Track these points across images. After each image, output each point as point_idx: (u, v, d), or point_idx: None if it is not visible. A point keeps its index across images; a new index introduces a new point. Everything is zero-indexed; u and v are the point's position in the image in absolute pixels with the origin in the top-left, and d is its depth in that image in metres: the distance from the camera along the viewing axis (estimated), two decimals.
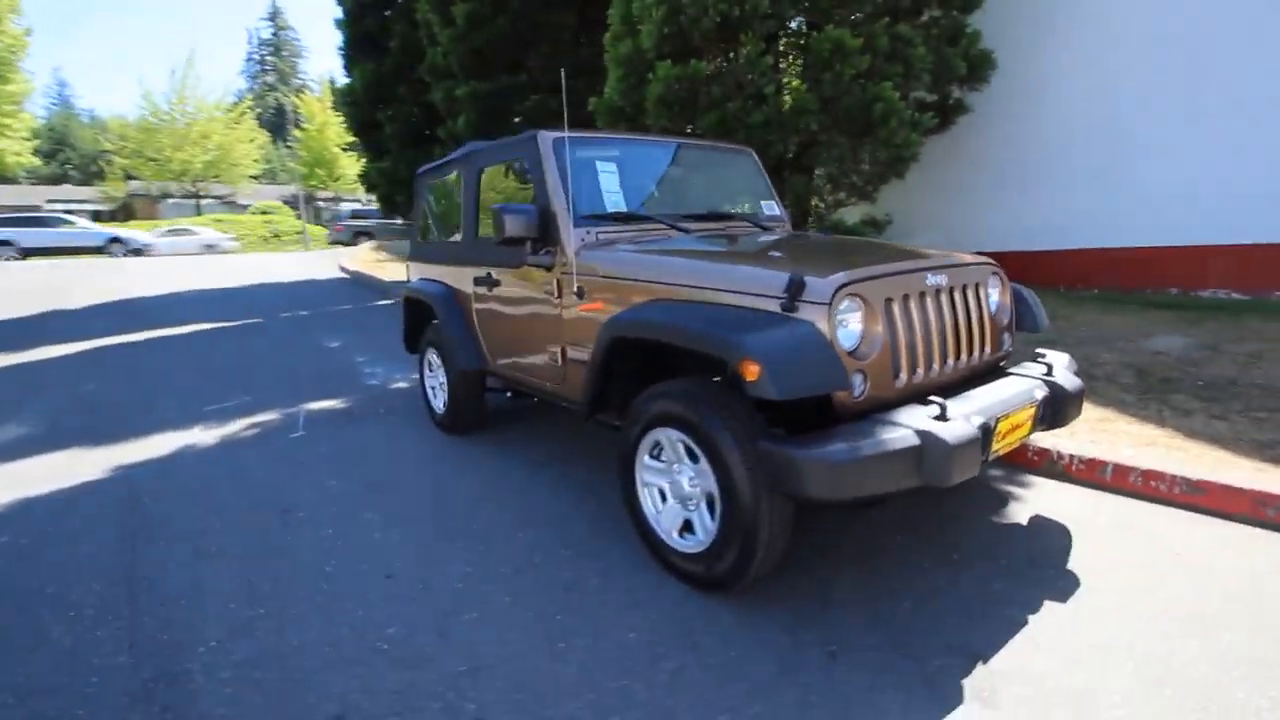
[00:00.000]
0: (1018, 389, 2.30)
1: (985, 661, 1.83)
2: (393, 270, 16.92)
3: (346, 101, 11.77)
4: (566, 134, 2.98)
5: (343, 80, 12.81)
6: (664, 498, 2.38)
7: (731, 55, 5.89)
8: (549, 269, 2.90)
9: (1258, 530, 2.51)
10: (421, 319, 4.50)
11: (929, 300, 2.23)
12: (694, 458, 2.19)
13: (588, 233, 2.82)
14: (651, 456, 2.36)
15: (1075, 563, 2.33)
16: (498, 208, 2.83)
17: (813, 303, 1.98)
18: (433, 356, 4.18)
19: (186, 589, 2.37)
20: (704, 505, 2.18)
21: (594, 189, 2.98)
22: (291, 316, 9.10)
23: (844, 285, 2.01)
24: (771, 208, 3.58)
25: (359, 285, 13.53)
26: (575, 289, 2.76)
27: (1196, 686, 1.71)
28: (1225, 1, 5.86)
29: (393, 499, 3.13)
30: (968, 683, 1.75)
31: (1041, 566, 2.32)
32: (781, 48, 6.45)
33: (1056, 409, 2.36)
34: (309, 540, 2.73)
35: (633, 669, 1.86)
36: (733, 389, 2.14)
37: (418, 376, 4.40)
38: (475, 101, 8.86)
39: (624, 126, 6.82)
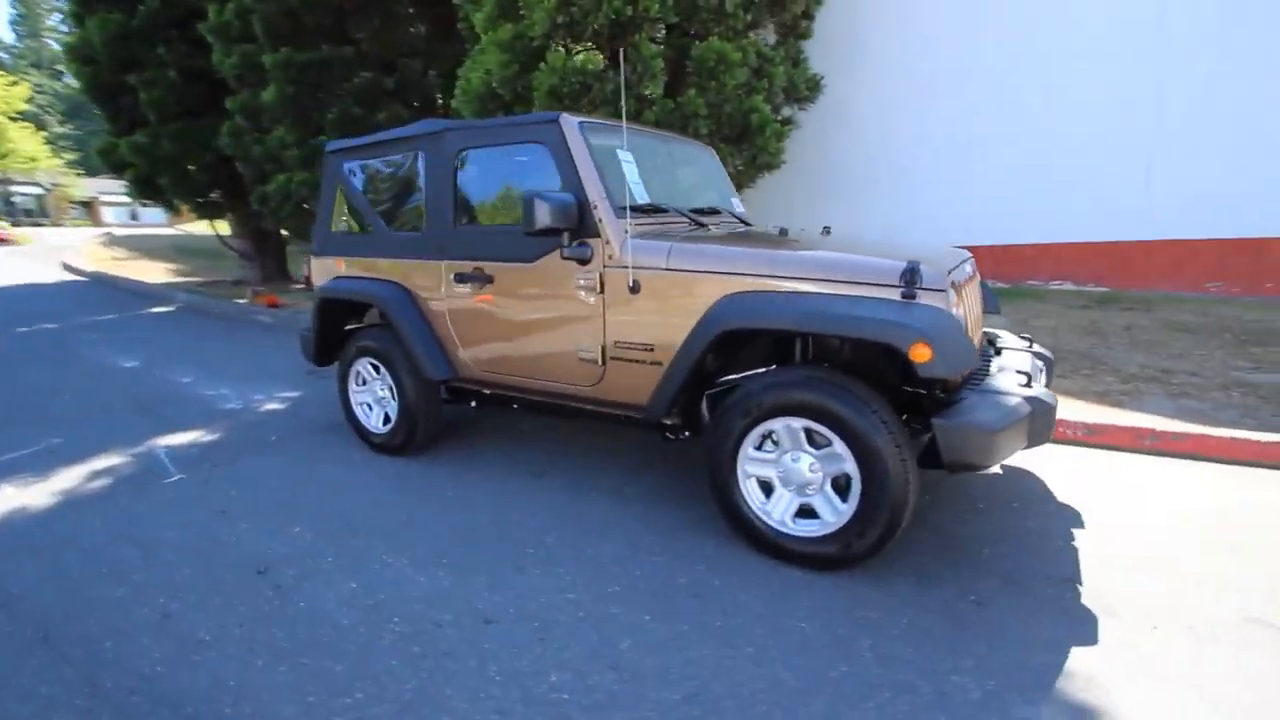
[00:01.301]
0: (1026, 362, 2.76)
1: (1080, 583, 2.21)
2: (145, 269, 13.68)
3: (79, 58, 9.12)
4: (585, 119, 2.80)
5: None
6: (766, 488, 2.39)
7: (622, 54, 5.92)
8: (584, 262, 2.69)
9: (1143, 456, 3.36)
10: (341, 325, 3.80)
11: (969, 287, 2.58)
12: (813, 444, 2.25)
13: (628, 225, 2.68)
14: (754, 448, 2.36)
15: (1064, 498, 2.89)
16: (533, 194, 2.54)
17: (932, 289, 2.16)
18: (365, 368, 3.55)
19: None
20: (828, 488, 2.26)
21: (618, 180, 2.83)
22: (36, 331, 6.88)
23: (949, 272, 2.24)
24: (737, 204, 3.73)
25: (107, 288, 10.72)
26: (630, 283, 2.61)
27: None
28: (1011, 47, 7.53)
29: (398, 536, 2.62)
30: (1086, 601, 2.10)
31: (1043, 502, 2.83)
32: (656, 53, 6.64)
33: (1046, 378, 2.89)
34: (333, 602, 2.17)
35: (837, 656, 1.86)
36: (846, 373, 2.24)
37: (287, 394, 3.69)
38: (288, 72, 7.55)
39: (498, 116, 6.44)
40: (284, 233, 9.95)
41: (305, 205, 8.08)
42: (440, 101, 8.58)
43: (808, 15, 6.86)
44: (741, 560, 2.38)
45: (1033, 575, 2.26)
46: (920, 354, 1.96)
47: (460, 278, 3.07)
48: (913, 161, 8.14)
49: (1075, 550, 2.43)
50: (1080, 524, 2.65)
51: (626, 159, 2.95)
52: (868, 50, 8.14)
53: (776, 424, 2.27)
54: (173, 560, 2.47)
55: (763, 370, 2.48)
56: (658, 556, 2.43)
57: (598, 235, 2.66)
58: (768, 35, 7.03)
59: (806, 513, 2.32)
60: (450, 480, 3.20)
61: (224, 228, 11.11)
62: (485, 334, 3.08)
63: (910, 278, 2.14)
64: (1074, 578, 2.24)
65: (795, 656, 1.86)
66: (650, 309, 2.58)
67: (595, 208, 2.66)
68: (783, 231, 2.83)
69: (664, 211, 2.92)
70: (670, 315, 2.54)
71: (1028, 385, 2.31)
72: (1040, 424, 2.18)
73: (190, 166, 9.35)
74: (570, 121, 2.74)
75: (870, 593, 2.16)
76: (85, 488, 3.16)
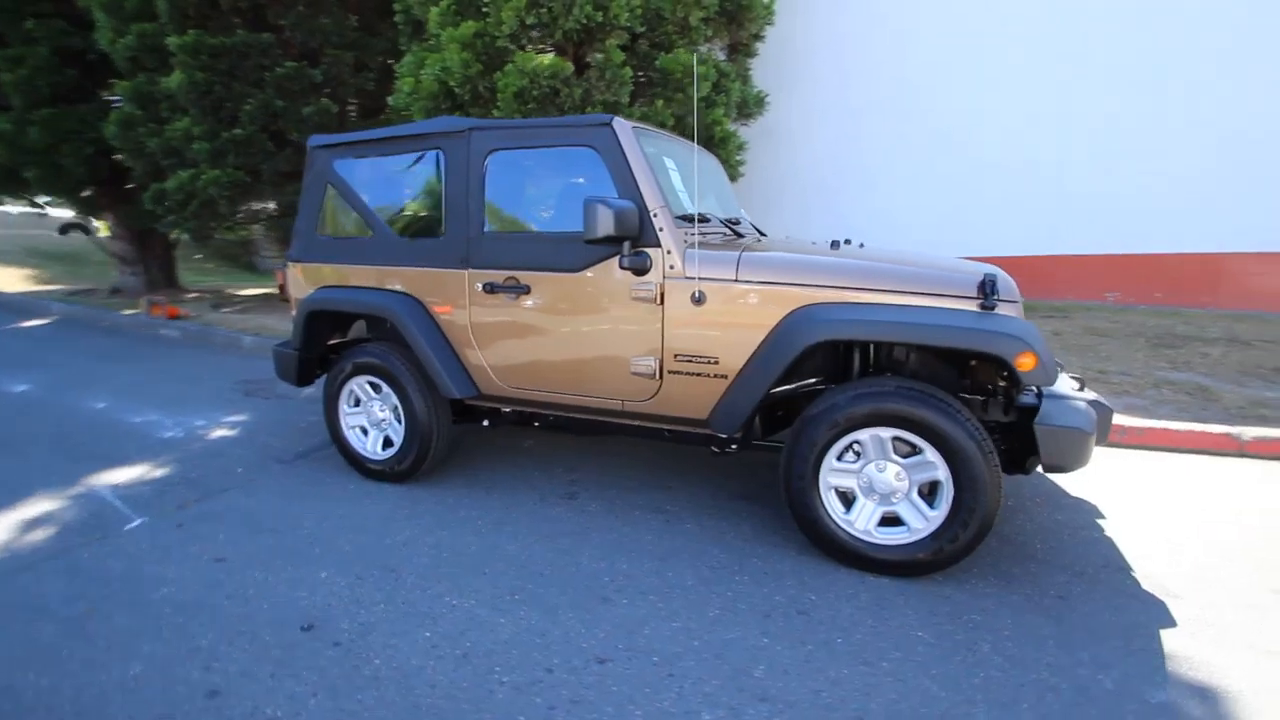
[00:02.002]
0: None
1: (1131, 569, 2.38)
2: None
3: None
4: (634, 124, 2.70)
5: None
6: (845, 499, 2.39)
7: (589, 61, 5.81)
8: (642, 272, 2.58)
9: (1116, 449, 3.71)
10: (323, 339, 3.42)
11: None
12: (901, 452, 2.28)
13: (686, 235, 2.61)
14: (836, 459, 2.35)
15: (1074, 492, 3.12)
16: (595, 200, 2.40)
17: (1008, 300, 2.27)
18: (361, 388, 3.21)
19: None
20: (914, 495, 2.29)
21: (669, 187, 2.74)
22: None
23: (1015, 283, 2.35)
24: (743, 213, 3.75)
25: None
26: (696, 295, 2.53)
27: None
28: (925, 73, 8.11)
29: (450, 574, 2.37)
30: (1147, 586, 2.26)
31: (1057, 496, 3.04)
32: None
33: None
34: (414, 656, 1.91)
35: (969, 662, 1.87)
36: (928, 381, 2.30)
37: (232, 419, 3.30)
38: (198, 57, 6.73)
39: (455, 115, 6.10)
40: (181, 235, 8.86)
41: (216, 205, 7.24)
42: (373, 95, 8.02)
43: (758, 36, 7.08)
44: (826, 573, 2.36)
45: (1091, 565, 2.41)
46: (1025, 363, 2.04)
47: (490, 288, 2.85)
48: (843, 179, 8.61)
49: (1110, 540, 2.63)
50: (1100, 514, 2.86)
51: (671, 166, 2.88)
52: (805, 71, 8.52)
53: (863, 434, 2.28)
54: (184, 624, 2.08)
55: (827, 384, 2.49)
56: (739, 575, 2.36)
57: (657, 244, 2.56)
58: (717, 52, 7.19)
59: (888, 521, 2.35)
60: (473, 507, 2.95)
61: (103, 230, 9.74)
62: (518, 348, 2.87)
63: (989, 289, 2.23)
64: (1123, 565, 2.42)
65: (932, 667, 1.86)
66: (716, 321, 2.51)
67: (655, 216, 2.56)
68: (834, 244, 2.87)
69: (706, 221, 2.86)
70: (738, 327, 2.49)
71: (1082, 390, 2.47)
72: (1104, 425, 2.34)
73: (63, 159, 8.11)
74: (624, 125, 2.62)
75: (961, 596, 2.22)
76: (26, 545, 2.62)
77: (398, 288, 3.07)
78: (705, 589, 2.28)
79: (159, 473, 3.38)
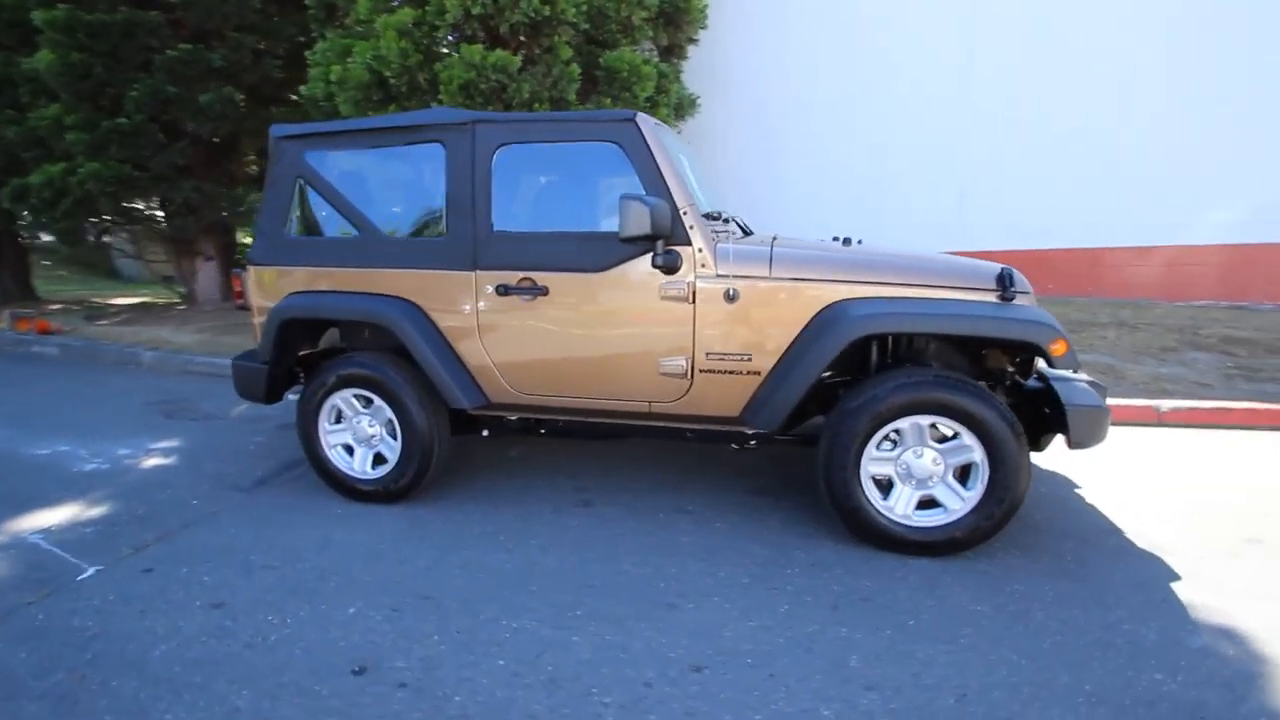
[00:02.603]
0: None
1: (1123, 532, 2.65)
2: None
3: None
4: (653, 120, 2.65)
5: None
6: (882, 485, 2.48)
7: (533, 57, 5.64)
8: (672, 271, 2.54)
9: None
10: (295, 350, 3.09)
11: None
12: (935, 437, 2.39)
13: (715, 230, 2.60)
14: (875, 447, 2.43)
15: (1042, 464, 3.42)
16: (632, 198, 2.34)
17: (1024, 291, 2.44)
18: (346, 402, 2.93)
19: None
20: (950, 478, 2.41)
21: (691, 184, 2.72)
22: None
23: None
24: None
25: None
26: (728, 291, 2.52)
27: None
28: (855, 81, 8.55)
29: (498, 596, 2.21)
30: (1142, 545, 2.52)
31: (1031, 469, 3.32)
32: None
33: None
34: (497, 688, 1.76)
35: (1030, 631, 1.98)
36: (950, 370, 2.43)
37: (161, 444, 2.97)
38: (72, 35, 5.85)
39: (372, 110, 5.72)
40: (42, 236, 7.67)
41: (95, 203, 6.33)
42: (279, 83, 7.34)
43: (693, 39, 7.19)
44: (868, 559, 2.44)
45: (1088, 531, 2.65)
46: (1058, 349, 2.21)
47: (503, 289, 2.69)
48: (765, 183, 8.93)
49: (1093, 507, 2.91)
50: (1074, 485, 3.16)
51: (683, 162, 2.85)
52: (731, 77, 8.76)
53: (903, 423, 2.38)
54: (206, 683, 1.80)
55: (874, 375, 2.57)
56: (789, 569, 2.39)
57: (687, 243, 2.53)
58: (651, 54, 7.22)
59: (922, 505, 2.46)
60: (486, 522, 2.78)
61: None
62: (534, 352, 2.73)
63: (1008, 281, 2.40)
64: (1114, 528, 2.68)
65: (1003, 639, 1.96)
66: (749, 318, 2.53)
67: (685, 214, 2.53)
68: (846, 240, 2.96)
69: (718, 218, 2.87)
70: (771, 323, 2.52)
71: (1076, 373, 2.71)
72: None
73: None
74: (647, 121, 2.57)
75: (994, 569, 2.36)
76: None
77: (392, 292, 2.83)
78: (763, 586, 2.28)
79: (95, 512, 2.91)
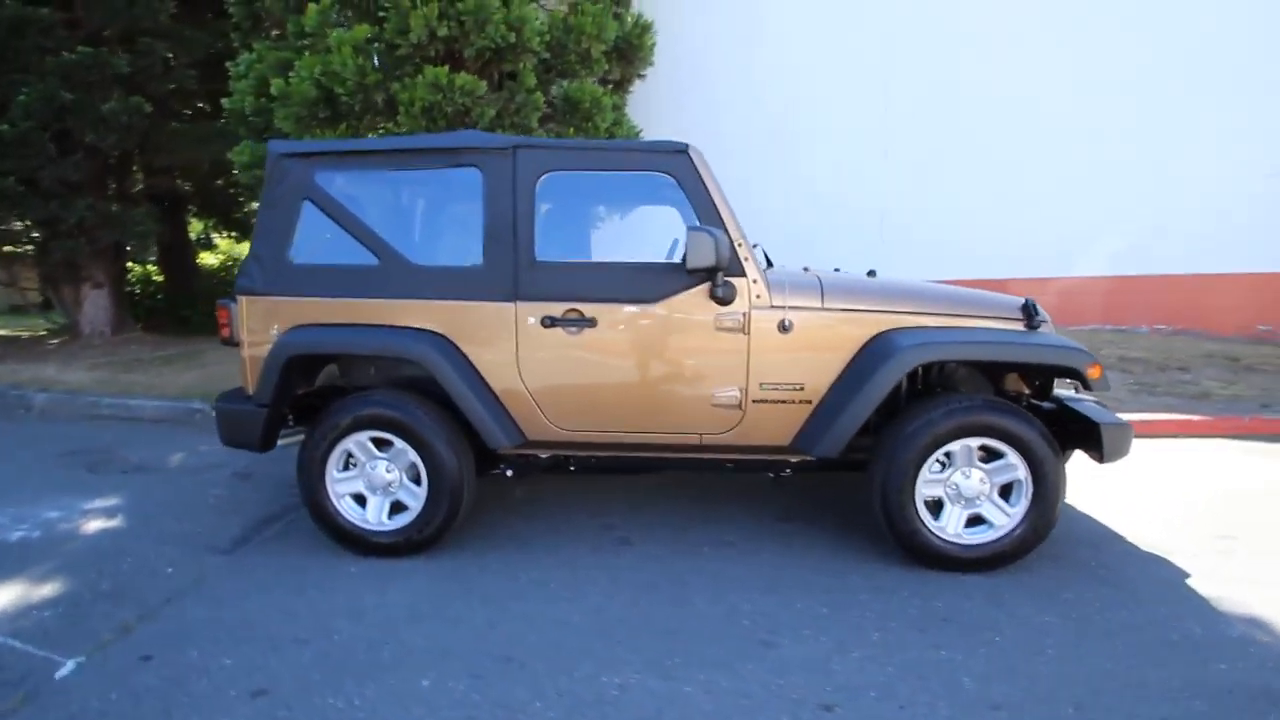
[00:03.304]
0: None
1: (1125, 539, 2.90)
2: None
3: None
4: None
5: None
6: (932, 506, 2.57)
7: (496, 83, 5.50)
8: (728, 301, 2.53)
9: None
10: (294, 389, 2.77)
11: None
12: (979, 458, 2.52)
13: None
14: (929, 471, 2.53)
15: None
16: (700, 230, 2.34)
17: (1045, 320, 2.66)
18: (361, 446, 2.65)
19: None
20: (995, 495, 2.54)
21: None
22: None
23: None
24: None
25: None
26: (783, 322, 2.55)
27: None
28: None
29: (580, 651, 2.06)
30: (1145, 548, 2.78)
31: None
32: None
33: None
34: None
35: (1100, 634, 2.11)
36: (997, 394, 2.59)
37: (96, 504, 2.64)
38: None
39: (317, 129, 5.34)
40: None
41: None
42: (189, 95, 6.66)
43: (641, 75, 7.32)
44: (927, 580, 2.50)
45: (1095, 537, 2.90)
46: (1095, 373, 2.41)
47: (548, 321, 2.56)
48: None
49: (1085, 515, 3.17)
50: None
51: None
52: (669, 109, 8.98)
53: (955, 445, 2.49)
54: None
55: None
56: (860, 595, 2.41)
57: (742, 274, 2.54)
58: (609, 87, 7.26)
59: (970, 522, 2.58)
60: (529, 569, 2.61)
61: None
62: (578, 386, 2.62)
63: (1033, 310, 2.61)
64: (1115, 534, 2.95)
65: (1084, 644, 2.07)
66: (802, 347, 2.57)
67: (740, 245, 2.55)
68: (870, 273, 3.09)
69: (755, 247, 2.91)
70: (823, 353, 2.58)
71: (1078, 394, 2.97)
72: None
73: None
74: (698, 153, 2.57)
75: (1035, 580, 2.50)
76: None
77: (421, 324, 2.61)
78: (843, 615, 2.28)
79: (46, 591, 2.43)
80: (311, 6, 5.09)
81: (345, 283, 2.66)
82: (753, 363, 2.58)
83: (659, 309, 2.56)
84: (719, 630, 2.19)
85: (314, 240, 2.70)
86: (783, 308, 2.56)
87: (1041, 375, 2.78)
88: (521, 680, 1.92)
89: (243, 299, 2.71)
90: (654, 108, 8.88)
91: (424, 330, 2.61)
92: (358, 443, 2.66)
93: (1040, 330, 2.62)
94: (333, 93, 5.10)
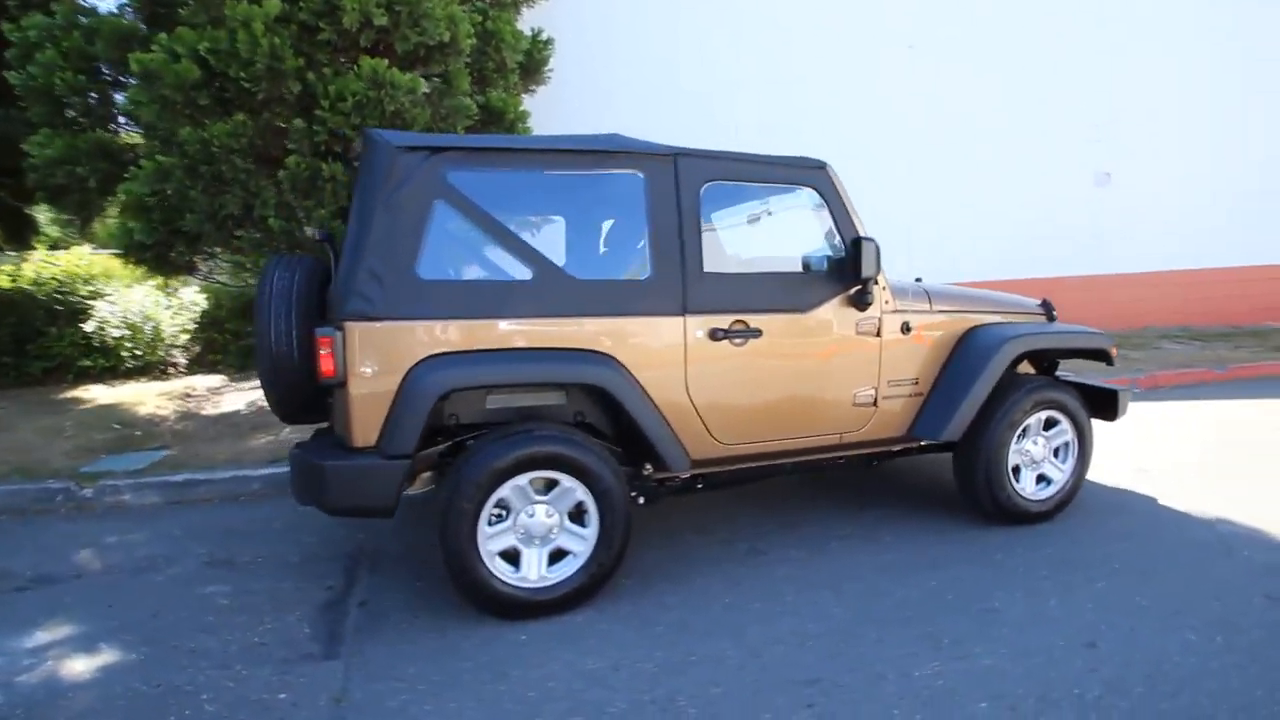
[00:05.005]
0: None
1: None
2: None
3: None
4: None
5: None
6: (1013, 472, 3.05)
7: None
8: (866, 307, 2.73)
9: None
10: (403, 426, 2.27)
11: None
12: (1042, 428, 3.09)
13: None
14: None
15: None
16: (865, 240, 2.53)
17: (1055, 314, 3.34)
18: (517, 493, 2.27)
19: None
20: (1052, 456, 3.11)
21: None
22: None
23: None
24: None
25: None
26: (904, 324, 2.83)
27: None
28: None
29: (812, 681, 2.07)
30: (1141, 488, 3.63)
31: None
32: None
33: None
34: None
35: (1171, 583, 2.53)
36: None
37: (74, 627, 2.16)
38: None
39: (187, 116, 4.27)
40: None
41: None
42: None
43: (532, 91, 7.09)
44: (1018, 533, 2.97)
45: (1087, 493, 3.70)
46: (1114, 353, 3.12)
47: (717, 334, 2.49)
48: None
49: None
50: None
51: None
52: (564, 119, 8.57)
53: (1030, 419, 3.01)
54: None
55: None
56: (1001, 568, 2.68)
57: (875, 281, 2.77)
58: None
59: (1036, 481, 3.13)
60: (723, 595, 2.48)
61: None
62: (743, 398, 2.59)
63: (1049, 306, 3.29)
64: (1103, 486, 3.78)
65: (1165, 587, 2.50)
66: (918, 346, 2.90)
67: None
68: (917, 280, 3.52)
69: None
70: (933, 349, 2.95)
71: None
72: None
73: None
74: (832, 168, 2.74)
75: (1065, 540, 2.97)
76: None
77: (586, 345, 2.33)
78: (1007, 584, 2.52)
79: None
80: None
81: (491, 301, 2.26)
82: (884, 362, 2.82)
83: (813, 317, 2.67)
84: (952, 610, 2.34)
85: (445, 251, 2.25)
86: (905, 311, 2.85)
87: (1076, 356, 3.43)
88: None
89: (354, 326, 2.13)
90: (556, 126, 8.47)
91: (592, 351, 2.34)
92: (516, 488, 2.27)
93: (1056, 320, 3.31)
94: (224, 76, 4.10)
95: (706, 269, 2.52)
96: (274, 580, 2.67)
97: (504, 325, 2.27)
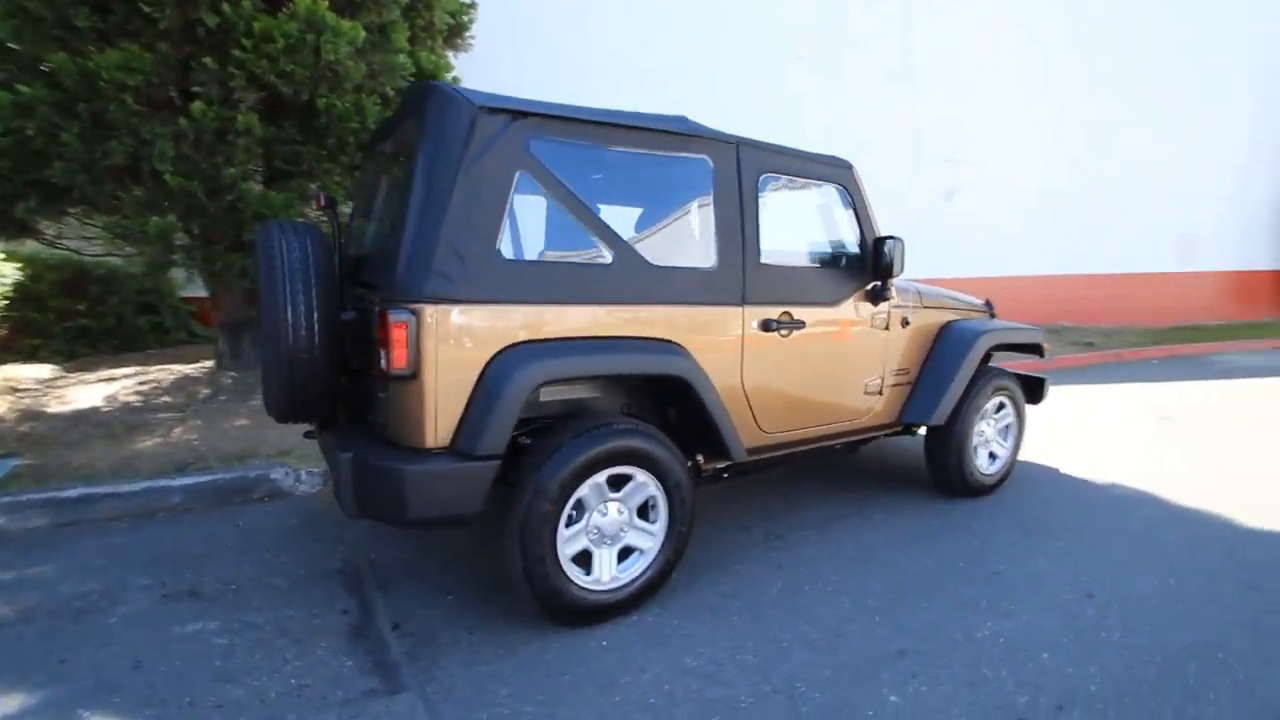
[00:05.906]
0: None
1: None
2: None
3: None
4: None
5: None
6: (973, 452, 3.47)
7: None
8: (879, 301, 2.93)
9: None
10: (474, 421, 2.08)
11: None
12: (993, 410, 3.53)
13: None
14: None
15: None
16: (889, 238, 2.73)
17: (995, 313, 3.82)
18: (593, 490, 2.15)
19: None
20: (999, 432, 3.57)
21: None
22: None
23: None
24: None
25: None
26: (904, 319, 3.08)
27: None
28: None
29: (882, 663, 2.25)
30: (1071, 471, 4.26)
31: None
32: None
33: None
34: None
35: (1167, 548, 3.30)
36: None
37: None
38: None
39: (52, 46, 3.39)
40: None
41: None
42: None
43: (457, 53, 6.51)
44: (979, 503, 3.40)
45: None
46: (1047, 346, 3.64)
47: (768, 325, 2.52)
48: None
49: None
50: None
51: None
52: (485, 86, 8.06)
53: (990, 404, 3.43)
54: None
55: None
56: (971, 525, 3.13)
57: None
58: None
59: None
60: (748, 589, 2.55)
61: None
62: (786, 388, 2.67)
63: (990, 306, 3.76)
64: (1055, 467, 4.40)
65: (1158, 547, 3.22)
66: (913, 338, 3.18)
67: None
68: None
69: None
70: (922, 341, 3.25)
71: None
72: None
73: None
74: (856, 168, 2.88)
75: (1046, 512, 3.65)
76: None
77: (660, 334, 2.24)
78: (1034, 556, 2.86)
79: None
80: None
81: (574, 285, 2.08)
82: (888, 353, 3.06)
83: (842, 309, 2.81)
84: (984, 582, 2.62)
85: (526, 229, 2.03)
86: (905, 306, 3.11)
87: (1021, 350, 3.90)
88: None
89: (431, 309, 1.85)
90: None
91: (665, 341, 2.26)
92: (594, 485, 2.14)
93: (997, 319, 3.79)
94: None
95: (764, 260, 2.55)
96: (272, 610, 2.24)
97: (586, 312, 2.11)
